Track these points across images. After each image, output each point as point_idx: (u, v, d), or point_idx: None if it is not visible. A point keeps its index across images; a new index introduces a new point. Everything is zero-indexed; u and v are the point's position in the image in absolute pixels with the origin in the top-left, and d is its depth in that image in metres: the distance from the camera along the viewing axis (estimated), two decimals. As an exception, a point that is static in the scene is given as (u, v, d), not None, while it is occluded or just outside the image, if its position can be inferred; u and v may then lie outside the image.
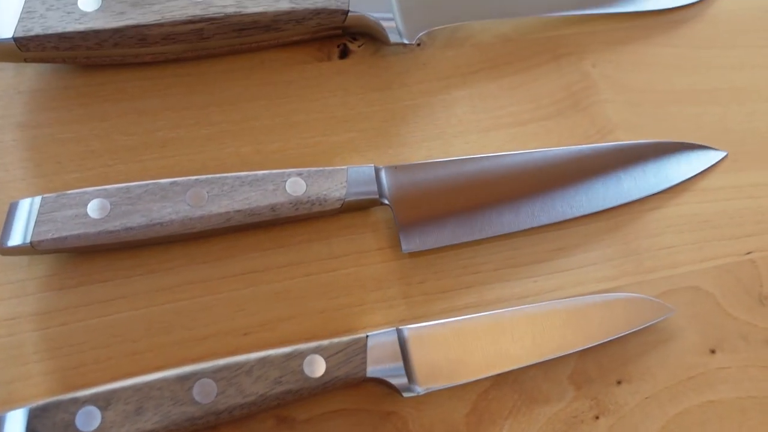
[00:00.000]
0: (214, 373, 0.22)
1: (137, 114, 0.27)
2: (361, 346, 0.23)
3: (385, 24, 0.28)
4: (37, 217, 0.23)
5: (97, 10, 0.25)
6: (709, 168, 0.29)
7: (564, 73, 0.30)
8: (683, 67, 0.32)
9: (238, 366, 0.22)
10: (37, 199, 0.23)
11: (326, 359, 0.22)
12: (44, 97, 0.27)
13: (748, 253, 0.28)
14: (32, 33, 0.25)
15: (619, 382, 0.25)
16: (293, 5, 0.27)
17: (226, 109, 0.28)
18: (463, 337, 0.24)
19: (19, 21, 0.25)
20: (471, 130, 0.29)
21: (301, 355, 0.22)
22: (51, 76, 0.27)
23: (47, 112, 0.26)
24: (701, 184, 0.29)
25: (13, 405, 0.22)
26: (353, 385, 0.23)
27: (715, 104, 0.31)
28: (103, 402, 0.21)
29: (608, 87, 0.30)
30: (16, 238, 0.23)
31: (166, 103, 0.27)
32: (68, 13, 0.25)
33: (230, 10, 0.26)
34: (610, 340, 0.25)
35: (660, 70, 0.31)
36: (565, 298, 0.26)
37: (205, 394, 0.21)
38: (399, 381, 0.23)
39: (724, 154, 0.30)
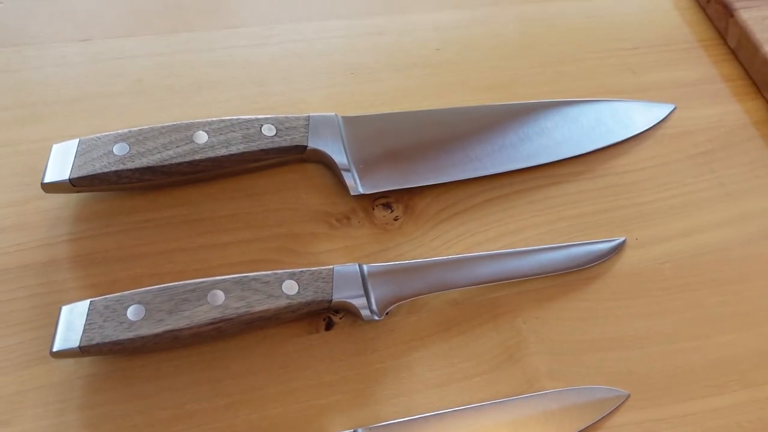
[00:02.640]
0: None
1: (170, 391, 0.35)
2: None
3: (358, 305, 0.37)
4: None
5: (142, 319, 0.34)
6: (616, 408, 0.37)
7: (501, 331, 0.39)
8: (594, 318, 0.40)
9: None
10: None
11: None
12: (98, 380, 0.35)
13: (648, 481, 0.36)
14: (93, 342, 0.33)
15: None
16: (289, 301, 0.36)
17: (238, 381, 0.35)
18: None
19: (83, 332, 0.33)
20: (429, 386, 0.37)
21: None
22: (102, 361, 0.35)
23: (100, 393, 0.34)
24: (608, 423, 0.37)
25: None
26: None
27: (620, 350, 0.39)
28: None
29: (536, 340, 0.39)
30: None
31: (192, 378, 0.35)
32: (120, 323, 0.33)
33: (242, 310, 0.35)
34: None
35: (576, 322, 0.40)
36: None
37: None
38: None
39: (627, 394, 0.38)
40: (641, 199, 0.45)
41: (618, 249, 0.43)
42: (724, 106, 0.50)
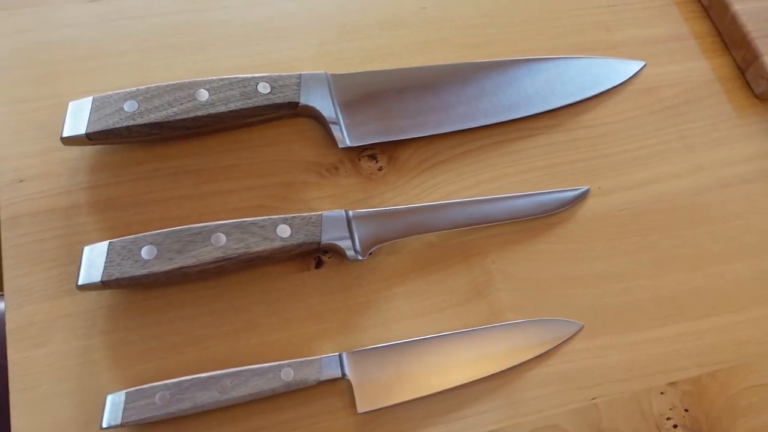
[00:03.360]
0: None
1: (180, 320, 0.40)
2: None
3: (344, 246, 0.42)
4: (124, 405, 0.36)
5: (154, 258, 0.39)
6: (571, 337, 0.43)
7: (472, 270, 0.44)
8: (557, 259, 0.45)
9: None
10: (121, 394, 0.36)
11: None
12: (118, 309, 0.40)
13: (593, 398, 0.41)
14: (113, 277, 0.38)
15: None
16: (283, 243, 0.40)
17: (240, 312, 0.41)
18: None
19: (104, 269, 0.38)
20: (406, 317, 0.42)
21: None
22: (121, 293, 0.40)
23: (120, 321, 0.40)
24: (565, 348, 0.42)
25: None
26: None
27: (578, 287, 0.44)
28: None
29: (503, 279, 0.44)
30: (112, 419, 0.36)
31: (199, 310, 0.40)
32: (135, 261, 0.38)
33: (241, 251, 0.40)
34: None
35: (540, 263, 0.45)
36: (467, 439, 0.39)
37: None
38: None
39: (581, 325, 0.43)
40: (607, 151, 0.49)
41: (582, 197, 0.47)
42: (692, 63, 0.54)
